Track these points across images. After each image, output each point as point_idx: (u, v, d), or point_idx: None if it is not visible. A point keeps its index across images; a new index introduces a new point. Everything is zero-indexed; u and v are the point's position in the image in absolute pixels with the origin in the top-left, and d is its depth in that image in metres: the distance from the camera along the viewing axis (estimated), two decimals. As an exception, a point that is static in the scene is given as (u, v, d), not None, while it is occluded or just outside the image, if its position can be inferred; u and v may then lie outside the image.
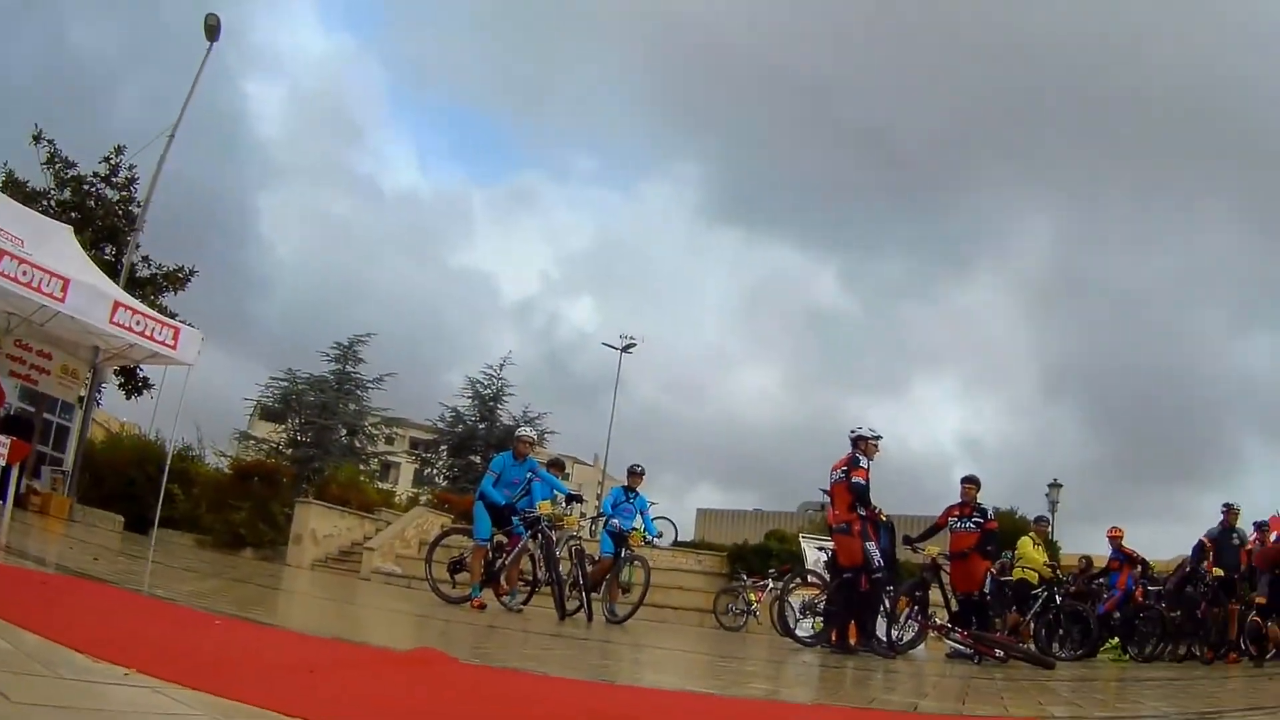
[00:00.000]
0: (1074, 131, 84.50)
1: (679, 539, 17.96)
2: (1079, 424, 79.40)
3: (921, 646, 10.79)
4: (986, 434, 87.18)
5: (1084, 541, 15.47)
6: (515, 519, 10.22)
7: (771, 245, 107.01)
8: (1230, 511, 12.33)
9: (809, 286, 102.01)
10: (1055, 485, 25.07)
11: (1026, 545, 12.38)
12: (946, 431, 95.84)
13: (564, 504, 10.53)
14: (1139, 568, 12.81)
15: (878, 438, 9.54)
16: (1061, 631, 11.84)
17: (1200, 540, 12.29)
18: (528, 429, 11.51)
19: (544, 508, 10.10)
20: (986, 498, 10.54)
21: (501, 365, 30.47)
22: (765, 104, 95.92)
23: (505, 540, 10.39)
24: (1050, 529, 13.03)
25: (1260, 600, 10.33)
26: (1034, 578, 12.04)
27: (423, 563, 12.02)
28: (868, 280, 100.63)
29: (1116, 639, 12.65)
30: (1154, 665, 10.86)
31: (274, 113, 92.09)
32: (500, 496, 10.26)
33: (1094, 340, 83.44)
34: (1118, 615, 12.61)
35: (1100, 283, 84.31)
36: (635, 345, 35.81)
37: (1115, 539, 13.02)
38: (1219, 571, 11.71)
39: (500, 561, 10.33)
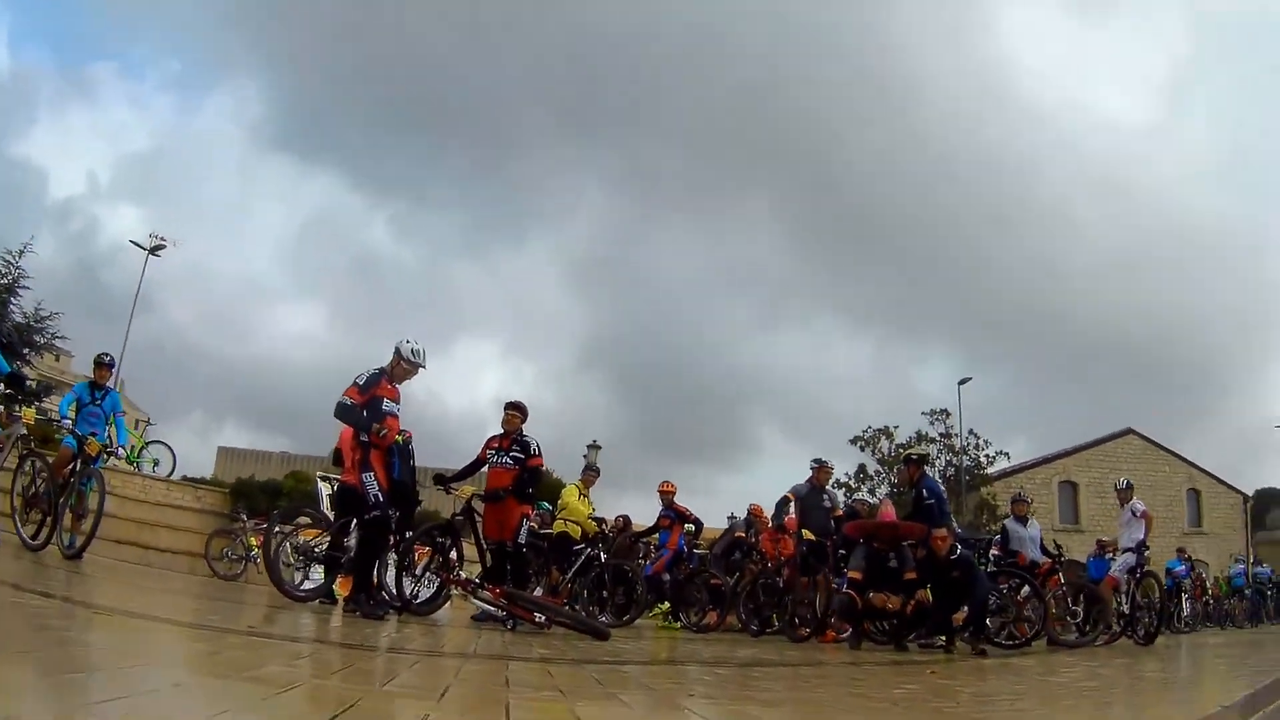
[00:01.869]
0: (635, 116, 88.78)
1: (176, 470, 15.14)
2: (611, 398, 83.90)
3: (447, 607, 9.12)
4: (523, 399, 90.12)
5: (612, 510, 14.92)
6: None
7: (328, 181, 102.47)
8: (822, 469, 11.03)
9: (361, 229, 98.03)
10: (594, 446, 24.38)
11: (571, 495, 11.21)
12: (484, 393, 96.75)
13: None
14: (692, 527, 12.03)
15: (414, 363, 7.90)
16: (605, 593, 10.76)
17: (785, 495, 11.13)
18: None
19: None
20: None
21: (20, 252, 24.39)
22: (336, 30, 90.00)
23: None
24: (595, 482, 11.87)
25: (855, 575, 9.04)
26: (576, 532, 10.87)
27: None
28: (422, 231, 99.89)
29: (666, 604, 11.93)
30: (718, 639, 9.79)
31: None
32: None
33: (632, 319, 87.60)
34: (667, 578, 11.79)
35: (644, 265, 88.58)
36: (165, 247, 31.40)
37: (667, 494, 12.09)
38: (810, 534, 10.37)
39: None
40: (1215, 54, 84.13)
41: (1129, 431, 41.07)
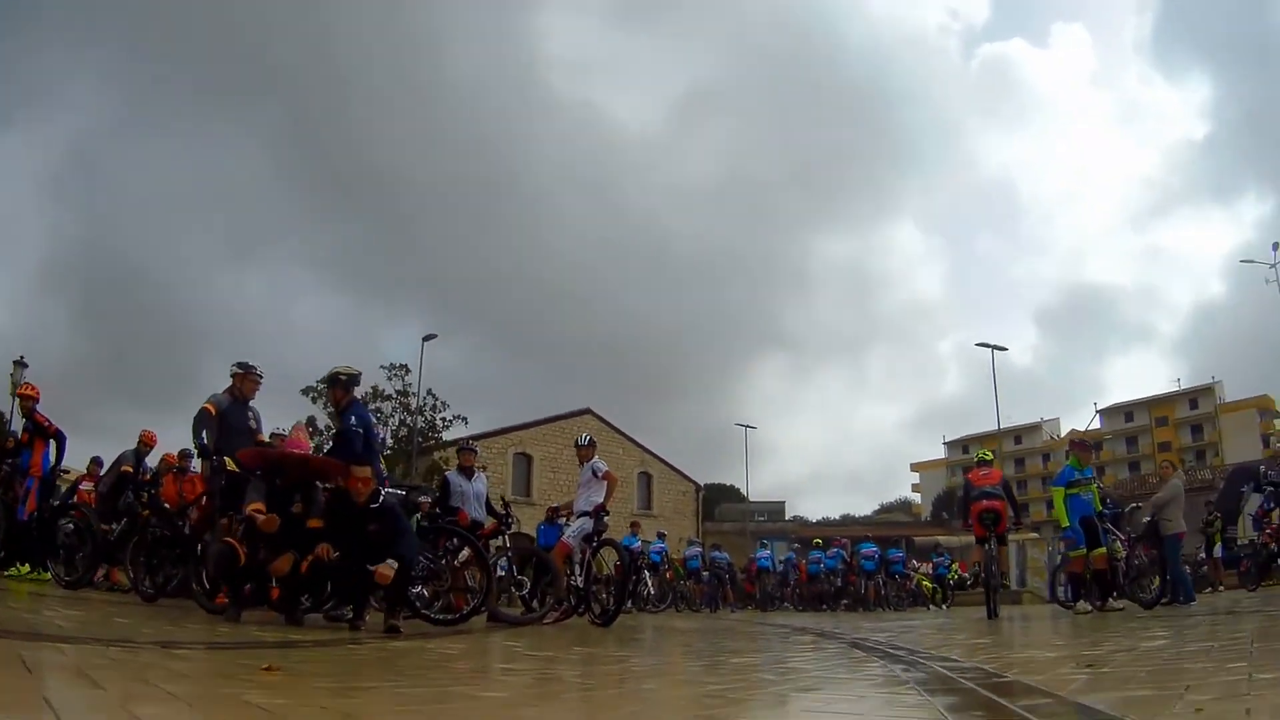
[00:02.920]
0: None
1: None
2: (68, 321, 78.29)
3: None
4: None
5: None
6: None
7: None
8: (247, 375, 8.25)
9: None
10: (20, 363, 20.29)
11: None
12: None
13: None
14: (55, 443, 9.38)
15: None
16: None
17: (203, 409, 7.85)
18: None
19: None
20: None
21: None
22: None
23: None
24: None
25: (258, 506, 6.69)
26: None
27: None
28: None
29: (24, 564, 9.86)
30: (79, 599, 7.61)
31: None
32: None
33: (98, 234, 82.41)
34: (35, 514, 9.31)
35: (119, 174, 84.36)
36: None
37: (28, 400, 9.38)
38: (231, 464, 7.53)
39: None
40: (735, 85, 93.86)
41: (587, 411, 43.59)
